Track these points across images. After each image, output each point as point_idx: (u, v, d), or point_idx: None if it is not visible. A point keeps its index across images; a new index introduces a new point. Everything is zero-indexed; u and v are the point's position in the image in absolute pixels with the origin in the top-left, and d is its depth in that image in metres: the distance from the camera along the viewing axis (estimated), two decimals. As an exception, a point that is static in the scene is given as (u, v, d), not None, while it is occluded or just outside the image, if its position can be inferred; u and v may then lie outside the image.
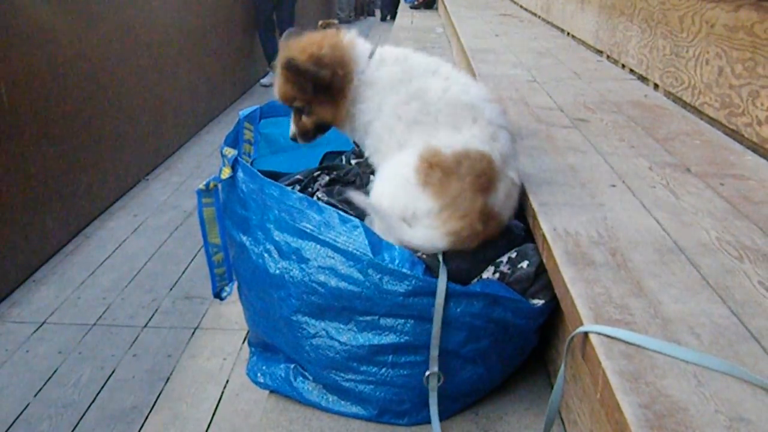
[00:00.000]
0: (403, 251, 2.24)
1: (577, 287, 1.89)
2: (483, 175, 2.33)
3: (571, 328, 1.83)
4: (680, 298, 1.83)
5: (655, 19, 4.26)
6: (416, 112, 2.40)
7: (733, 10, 3.21)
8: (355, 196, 2.38)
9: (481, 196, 2.32)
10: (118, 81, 7.10)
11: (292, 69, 2.44)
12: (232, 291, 2.89)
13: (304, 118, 2.55)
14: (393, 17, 17.35)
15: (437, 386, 2.29)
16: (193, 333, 4.75)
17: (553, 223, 2.29)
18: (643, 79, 4.44)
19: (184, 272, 5.56)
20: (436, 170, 2.31)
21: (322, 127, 2.58)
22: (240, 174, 2.55)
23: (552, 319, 2.46)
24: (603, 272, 1.96)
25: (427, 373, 2.27)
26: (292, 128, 2.59)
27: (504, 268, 2.39)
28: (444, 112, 2.40)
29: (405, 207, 2.33)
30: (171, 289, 5.30)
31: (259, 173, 2.49)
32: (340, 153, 3.19)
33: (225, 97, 10.43)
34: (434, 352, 2.25)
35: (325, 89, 2.45)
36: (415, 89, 2.42)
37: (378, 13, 20.59)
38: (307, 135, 2.59)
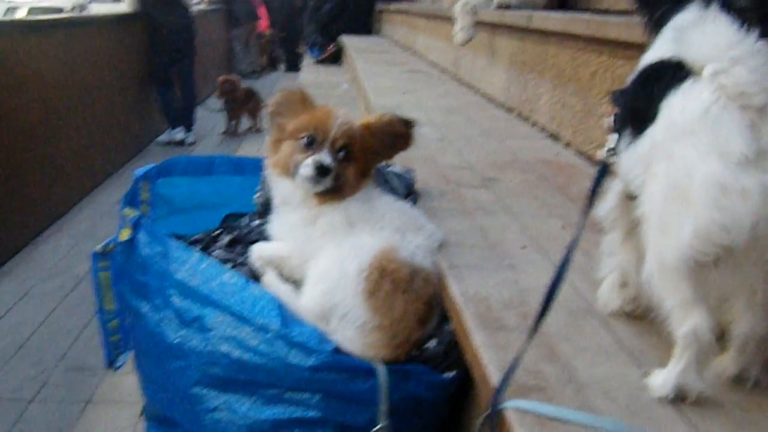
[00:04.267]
0: (313, 326, 2.20)
1: (488, 353, 1.86)
2: (428, 302, 2.32)
3: (483, 395, 1.79)
4: (594, 362, 1.81)
5: (566, 75, 4.29)
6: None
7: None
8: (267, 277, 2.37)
9: (421, 328, 2.30)
10: (6, 138, 6.88)
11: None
12: (127, 360, 2.77)
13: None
14: (291, 69, 17.45)
15: None
16: (85, 407, 4.49)
17: (462, 287, 2.24)
18: (554, 137, 4.45)
19: (75, 341, 5.29)
20: (387, 281, 2.28)
21: None
22: (141, 236, 2.47)
23: (464, 388, 2.39)
24: (515, 337, 1.92)
25: None
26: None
27: (413, 352, 2.33)
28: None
29: (336, 305, 2.29)
30: (60, 360, 5.03)
31: (165, 234, 2.43)
32: (242, 215, 3.10)
33: (121, 154, 10.17)
34: None
35: None
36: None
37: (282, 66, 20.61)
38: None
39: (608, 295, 2.06)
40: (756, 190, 1.49)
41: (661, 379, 1.68)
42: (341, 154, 2.50)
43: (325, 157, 2.46)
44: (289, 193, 2.57)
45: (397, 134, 2.61)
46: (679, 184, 1.59)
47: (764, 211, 1.49)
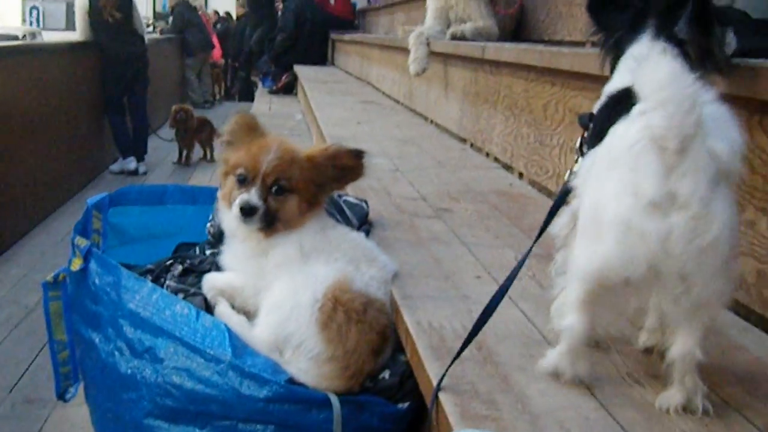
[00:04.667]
0: (267, 356, 2.19)
1: (442, 383, 1.84)
2: (382, 332, 2.32)
3: (437, 427, 1.79)
4: (548, 392, 1.81)
5: (519, 107, 4.32)
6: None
7: (597, 98, 3.25)
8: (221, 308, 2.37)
9: (375, 359, 2.30)
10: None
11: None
12: (78, 392, 2.73)
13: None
14: (245, 99, 17.37)
15: None
16: (35, 440, 4.45)
17: (416, 317, 2.24)
18: (507, 167, 4.48)
19: (24, 373, 5.19)
20: (340, 312, 2.27)
21: None
22: (93, 266, 2.45)
23: (419, 419, 2.37)
24: (469, 367, 1.92)
25: None
26: None
27: (367, 383, 2.32)
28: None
29: (290, 336, 2.29)
30: (9, 393, 4.93)
31: (117, 264, 2.41)
32: (195, 244, 3.08)
33: (73, 183, 10.06)
34: None
35: None
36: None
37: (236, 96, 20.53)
38: None
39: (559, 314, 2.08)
40: (654, 234, 1.58)
41: (547, 359, 1.87)
42: (274, 189, 2.47)
43: (251, 197, 2.43)
44: (234, 226, 2.55)
45: (344, 166, 2.58)
46: (597, 211, 1.70)
47: (660, 254, 1.59)
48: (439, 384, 1.82)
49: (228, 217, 2.55)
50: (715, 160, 1.57)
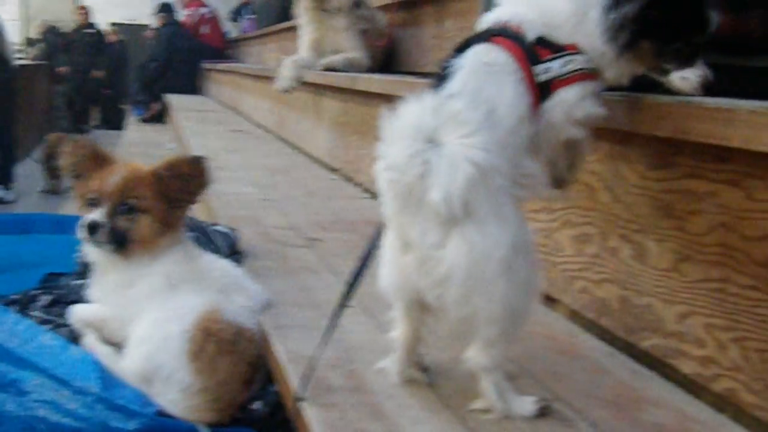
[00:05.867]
0: (136, 388, 2.16)
1: (312, 412, 1.85)
2: (253, 363, 2.32)
3: None
4: (419, 420, 1.83)
5: (389, 138, 4.34)
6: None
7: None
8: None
9: (246, 389, 2.30)
10: None
11: None
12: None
13: None
14: (115, 127, 17.03)
15: None
16: None
17: (287, 347, 2.24)
18: (377, 197, 4.49)
19: None
20: (211, 342, 2.25)
21: None
22: (-48, 297, 2.37)
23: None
24: (340, 396, 1.93)
25: None
26: None
27: (238, 414, 2.32)
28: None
29: (159, 367, 2.26)
30: None
31: None
32: (63, 274, 3.01)
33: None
34: None
35: None
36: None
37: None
38: None
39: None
40: (401, 269, 1.85)
41: (384, 362, 2.03)
42: (123, 208, 2.44)
43: (95, 215, 2.41)
44: (94, 255, 2.52)
45: (187, 175, 2.53)
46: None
47: (409, 287, 1.86)
48: (297, 398, 1.88)
49: (87, 245, 2.51)
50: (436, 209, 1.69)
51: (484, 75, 1.88)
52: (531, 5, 1.97)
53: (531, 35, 1.92)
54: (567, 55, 1.92)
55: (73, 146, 2.54)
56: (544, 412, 1.84)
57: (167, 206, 2.51)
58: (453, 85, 1.87)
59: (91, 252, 2.52)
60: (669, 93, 2.00)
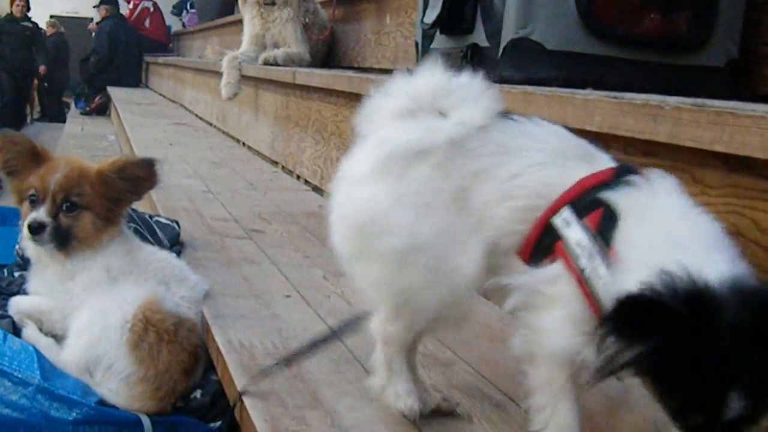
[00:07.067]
0: (77, 379, 2.16)
1: (252, 400, 1.87)
2: (193, 352, 2.32)
3: None
4: (356, 407, 1.85)
5: (329, 131, 4.39)
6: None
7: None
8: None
9: (186, 379, 2.30)
10: None
11: None
12: None
13: None
14: (55, 119, 16.71)
15: None
16: None
17: (227, 336, 2.26)
18: (317, 189, 4.54)
19: None
20: (151, 332, 2.25)
21: None
22: None
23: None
24: (279, 384, 1.94)
25: None
26: None
27: (179, 403, 2.31)
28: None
29: (100, 357, 2.26)
30: None
31: None
32: (2, 266, 3.00)
33: None
34: None
35: None
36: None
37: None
38: None
39: None
40: None
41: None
42: (65, 206, 2.40)
43: (39, 214, 2.37)
44: (34, 251, 2.50)
45: (136, 177, 2.51)
46: None
47: None
48: (240, 395, 1.88)
49: (28, 242, 2.47)
50: None
51: None
52: None
53: None
54: None
55: (7, 142, 2.49)
56: (436, 413, 1.81)
57: (111, 203, 2.48)
58: None
59: (31, 247, 2.50)
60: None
